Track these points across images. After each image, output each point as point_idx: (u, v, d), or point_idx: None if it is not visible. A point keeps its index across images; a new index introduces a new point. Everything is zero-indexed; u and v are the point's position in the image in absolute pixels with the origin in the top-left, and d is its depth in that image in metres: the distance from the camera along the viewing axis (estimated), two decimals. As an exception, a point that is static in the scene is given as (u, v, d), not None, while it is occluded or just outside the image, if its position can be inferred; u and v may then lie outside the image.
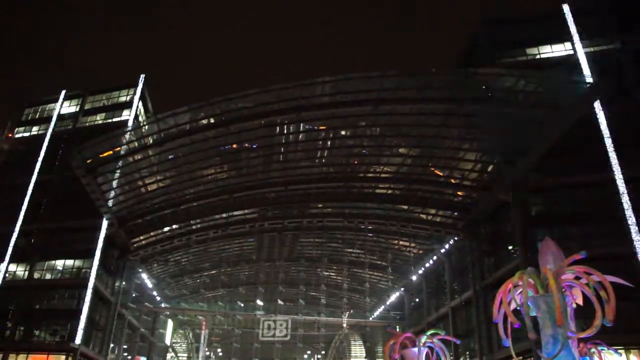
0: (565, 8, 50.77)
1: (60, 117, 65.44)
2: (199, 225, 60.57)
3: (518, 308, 17.81)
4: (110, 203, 50.79)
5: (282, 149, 50.83)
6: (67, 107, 66.38)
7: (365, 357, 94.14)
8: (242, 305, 76.39)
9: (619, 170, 41.62)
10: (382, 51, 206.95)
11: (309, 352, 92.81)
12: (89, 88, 66.67)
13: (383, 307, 79.93)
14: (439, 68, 51.00)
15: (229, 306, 73.35)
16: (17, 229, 56.55)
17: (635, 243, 38.66)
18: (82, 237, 54.88)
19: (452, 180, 51.21)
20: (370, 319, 78.54)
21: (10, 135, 66.95)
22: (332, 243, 70.42)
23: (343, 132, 49.50)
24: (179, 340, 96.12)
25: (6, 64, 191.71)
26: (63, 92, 67.01)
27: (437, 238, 57.85)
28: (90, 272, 51.60)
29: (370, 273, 73.76)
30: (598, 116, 43.95)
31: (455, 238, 55.69)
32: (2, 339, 49.47)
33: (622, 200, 40.40)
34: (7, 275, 54.64)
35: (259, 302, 78.31)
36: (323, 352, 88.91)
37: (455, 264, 57.68)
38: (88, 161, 44.66)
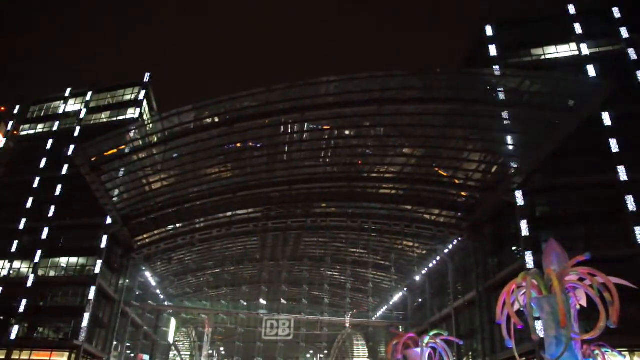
0: (571, 9, 50.62)
1: (66, 115, 65.71)
2: (202, 224, 60.65)
3: (521, 309, 17.79)
4: (114, 201, 50.90)
5: (286, 148, 50.89)
6: (72, 105, 66.59)
7: (367, 357, 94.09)
8: (245, 304, 76.42)
9: (624, 170, 41.50)
10: (387, 51, 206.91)
11: (311, 351, 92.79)
12: (94, 86, 66.81)
13: (386, 307, 79.88)
14: (443, 68, 51.00)
15: (232, 305, 73.39)
16: (21, 226, 56.85)
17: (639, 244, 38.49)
18: (86, 235, 55.14)
19: (456, 181, 51.14)
20: (373, 319, 78.52)
21: (15, 132, 67.19)
22: (335, 243, 70.41)
23: (347, 132, 49.49)
24: (181, 339, 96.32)
25: (10, 63, 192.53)
26: (68, 90, 67.30)
27: (440, 238, 57.77)
28: (94, 270, 51.79)
29: (373, 273, 73.69)
30: (603, 116, 43.83)
31: (459, 238, 55.59)
32: (6, 336, 49.66)
33: (627, 202, 40.27)
34: (11, 272, 54.93)
35: (262, 301, 78.33)
36: (326, 352, 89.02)
37: (458, 264, 57.59)
38: (92, 159, 44.76)
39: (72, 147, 58.13)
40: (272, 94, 42.05)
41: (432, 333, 30.63)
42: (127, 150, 46.84)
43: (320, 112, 44.43)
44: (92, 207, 51.51)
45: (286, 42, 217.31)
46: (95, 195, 47.95)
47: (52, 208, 56.89)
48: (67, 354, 48.65)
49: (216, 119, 45.57)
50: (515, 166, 43.37)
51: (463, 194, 52.60)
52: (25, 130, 67.54)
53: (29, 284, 52.64)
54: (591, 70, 46.34)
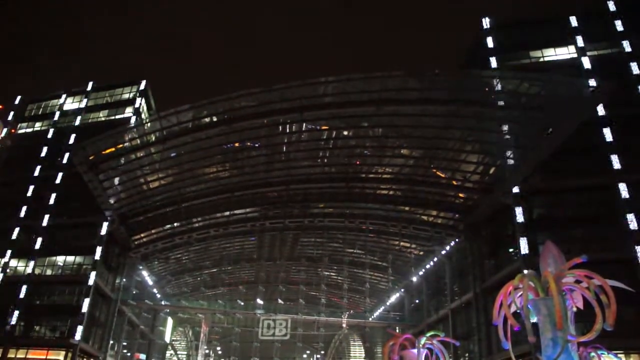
0: (570, 11, 50.71)
1: (63, 113, 65.62)
2: (200, 224, 60.60)
3: (518, 311, 17.79)
4: (111, 200, 50.87)
5: (284, 148, 50.90)
6: (70, 104, 66.49)
7: (364, 358, 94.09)
8: (242, 303, 76.32)
9: (621, 173, 41.56)
10: (386, 52, 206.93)
11: (308, 351, 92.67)
12: (92, 85, 66.69)
13: (383, 307, 79.86)
14: (442, 69, 51.04)
15: (229, 305, 73.22)
16: (18, 224, 56.69)
17: (636, 247, 38.56)
18: (84, 234, 55.06)
19: (454, 182, 51.19)
20: (370, 319, 78.39)
21: (13, 131, 67.05)
22: (332, 243, 70.37)
23: (345, 133, 49.50)
24: (178, 338, 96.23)
25: (8, 61, 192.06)
26: (66, 88, 67.21)
27: (438, 239, 57.75)
28: (91, 268, 51.69)
29: (370, 273, 73.68)
30: (600, 119, 43.89)
31: (456, 240, 55.62)
32: (3, 335, 49.55)
33: (624, 204, 40.33)
34: (8, 270, 54.78)
35: (259, 301, 78.17)
36: (322, 352, 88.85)
37: (455, 265, 57.58)
38: (90, 158, 44.78)
39: (69, 145, 58.01)
40: (271, 94, 42.11)
41: (428, 334, 30.56)
42: (124, 149, 46.82)
43: (319, 112, 44.51)
44: (89, 206, 51.49)
45: (285, 42, 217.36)
46: (92, 193, 47.98)
47: (49, 206, 56.75)
48: (63, 352, 48.57)
49: (214, 119, 45.59)
50: (512, 168, 43.42)
51: (461, 195, 52.67)
52: (23, 129, 67.45)
53: (26, 282, 52.53)
54: (589, 73, 46.40)
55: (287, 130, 47.75)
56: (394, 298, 76.15)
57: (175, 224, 59.80)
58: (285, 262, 74.74)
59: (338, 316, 71.34)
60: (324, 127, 48.80)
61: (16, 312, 50.74)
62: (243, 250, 72.47)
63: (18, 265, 55.60)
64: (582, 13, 50.83)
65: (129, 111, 61.83)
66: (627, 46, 47.72)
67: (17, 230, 56.54)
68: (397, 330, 63.96)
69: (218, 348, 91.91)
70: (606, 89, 35.75)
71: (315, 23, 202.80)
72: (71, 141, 59.86)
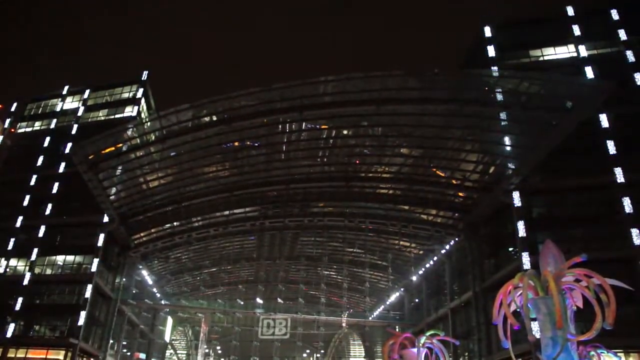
0: (570, 10, 50.70)
1: (63, 112, 65.55)
2: (199, 223, 60.58)
3: (518, 310, 17.79)
4: (111, 199, 50.83)
5: (284, 147, 50.90)
6: (70, 103, 66.40)
7: (364, 357, 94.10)
8: (242, 303, 76.33)
9: (621, 172, 41.57)
10: (386, 52, 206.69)
11: (308, 351, 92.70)
12: (92, 84, 66.65)
13: (383, 307, 79.89)
14: (442, 69, 51.03)
15: (229, 304, 73.25)
16: (18, 224, 56.68)
17: (635, 246, 38.55)
18: (83, 233, 55.04)
19: (454, 181, 51.21)
20: (370, 318, 78.46)
21: (12, 130, 66.98)
22: (332, 242, 70.33)
23: (345, 132, 49.53)
24: (178, 338, 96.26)
25: (8, 61, 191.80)
26: (66, 87, 67.09)
27: (437, 239, 57.76)
28: (91, 268, 51.66)
29: (370, 273, 73.69)
30: (600, 118, 43.90)
31: (456, 239, 55.65)
32: (2, 334, 49.52)
33: (624, 204, 40.35)
34: (7, 270, 54.75)
35: (259, 300, 78.24)
36: (322, 351, 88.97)
37: (455, 264, 57.63)
38: (90, 157, 44.74)
39: (69, 145, 58.02)
40: (270, 93, 42.16)
41: (428, 333, 30.54)
42: (124, 149, 46.82)
43: (319, 111, 44.56)
44: (89, 205, 51.45)
45: (285, 42, 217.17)
46: (92, 193, 47.93)
47: (49, 206, 56.72)
48: (63, 352, 48.56)
49: (214, 118, 45.60)
50: (512, 167, 43.46)
51: (460, 194, 52.69)
52: (23, 128, 67.36)
53: (25, 281, 52.52)
54: (589, 72, 46.37)
55: (287, 130, 47.78)
56: (393, 297, 76.17)
57: (175, 224, 59.79)
58: (284, 261, 74.74)
59: (338, 315, 71.36)
60: (323, 127, 48.82)
61: (16, 312, 50.69)
62: (243, 250, 72.47)
63: (18, 264, 55.57)
64: (582, 12, 50.80)
65: (128, 110, 61.73)
66: (627, 45, 47.66)
67: (17, 230, 56.50)
68: (397, 330, 63.93)
69: (218, 347, 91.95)
70: (606, 87, 35.71)
71: (315, 23, 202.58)
72: (71, 141, 59.79)
